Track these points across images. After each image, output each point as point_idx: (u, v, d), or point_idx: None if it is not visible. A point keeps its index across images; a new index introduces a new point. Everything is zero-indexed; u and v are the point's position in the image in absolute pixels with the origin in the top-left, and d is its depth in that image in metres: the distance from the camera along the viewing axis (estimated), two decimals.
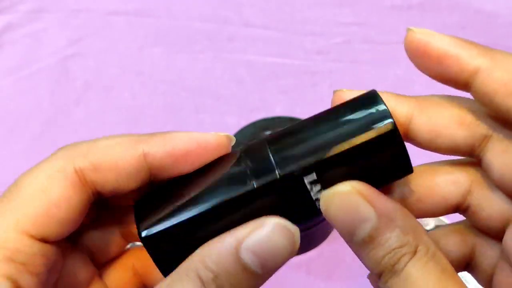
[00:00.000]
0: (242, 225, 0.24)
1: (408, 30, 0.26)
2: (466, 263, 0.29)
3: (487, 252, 0.29)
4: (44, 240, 0.25)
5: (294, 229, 0.24)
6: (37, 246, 0.25)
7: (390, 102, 0.28)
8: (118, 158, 0.26)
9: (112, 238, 0.30)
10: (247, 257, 0.23)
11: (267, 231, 0.23)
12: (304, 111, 0.63)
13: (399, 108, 0.28)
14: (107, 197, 0.27)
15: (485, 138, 0.26)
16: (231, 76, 0.67)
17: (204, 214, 0.25)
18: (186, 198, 0.25)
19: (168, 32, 0.70)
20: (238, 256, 0.23)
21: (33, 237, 0.25)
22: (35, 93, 0.66)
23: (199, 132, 0.26)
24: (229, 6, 0.72)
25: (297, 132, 0.26)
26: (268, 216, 0.24)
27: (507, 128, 0.26)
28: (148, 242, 0.25)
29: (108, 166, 0.26)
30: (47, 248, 0.25)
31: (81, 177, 0.26)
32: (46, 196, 0.25)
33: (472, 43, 0.27)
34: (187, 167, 0.26)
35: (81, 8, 0.72)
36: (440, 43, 0.26)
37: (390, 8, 0.71)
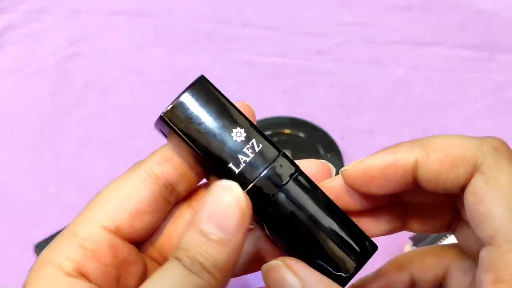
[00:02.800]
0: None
1: (342, 172, 0.29)
2: (439, 284, 0.32)
3: (460, 276, 0.31)
4: (116, 232, 0.28)
5: (232, 184, 0.27)
6: (107, 236, 0.28)
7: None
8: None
9: None
10: (207, 227, 0.26)
11: (211, 197, 0.27)
12: (304, 111, 0.63)
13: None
14: (180, 190, 0.30)
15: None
16: (231, 76, 0.67)
17: None
18: None
19: (168, 32, 0.70)
20: (200, 229, 0.26)
21: (105, 228, 0.28)
22: (35, 93, 0.66)
23: None
24: (229, 6, 0.72)
25: None
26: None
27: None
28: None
29: (175, 156, 0.29)
30: (118, 241, 0.28)
31: (151, 173, 0.29)
32: (118, 192, 0.28)
33: (399, 144, 0.28)
34: None
35: (81, 8, 0.72)
36: (377, 160, 0.28)
37: (390, 8, 0.71)
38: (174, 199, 0.30)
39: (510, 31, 0.69)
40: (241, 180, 0.28)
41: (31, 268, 0.28)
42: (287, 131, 0.59)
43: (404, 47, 0.68)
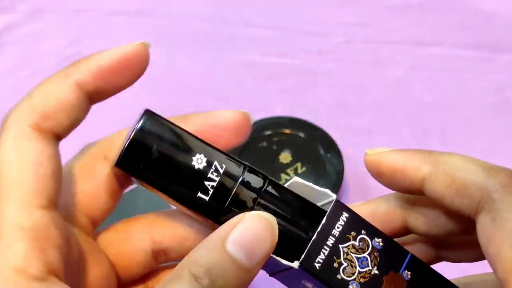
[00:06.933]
0: (225, 222, 0.26)
1: (365, 154, 0.29)
2: None
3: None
4: (51, 207, 0.25)
5: (271, 218, 0.26)
6: (48, 216, 0.25)
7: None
8: (58, 98, 0.27)
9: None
10: (233, 250, 0.25)
11: (247, 223, 0.25)
12: (304, 111, 0.63)
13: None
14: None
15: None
16: (231, 76, 0.67)
17: None
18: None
19: (168, 32, 0.70)
20: (225, 249, 0.25)
21: (41, 207, 0.25)
22: None
23: (118, 47, 0.29)
24: (229, 6, 0.72)
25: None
26: (247, 211, 0.26)
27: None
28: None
29: (54, 109, 0.27)
30: (55, 215, 0.25)
31: (39, 130, 0.26)
32: (25, 161, 0.25)
33: (417, 152, 0.28)
34: (120, 80, 0.28)
35: (81, 8, 0.72)
36: (389, 160, 0.28)
37: (390, 8, 0.71)
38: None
39: (510, 31, 0.69)
40: (214, 205, 0.27)
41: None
42: (287, 131, 0.59)
43: (404, 47, 0.68)
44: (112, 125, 0.64)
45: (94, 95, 0.29)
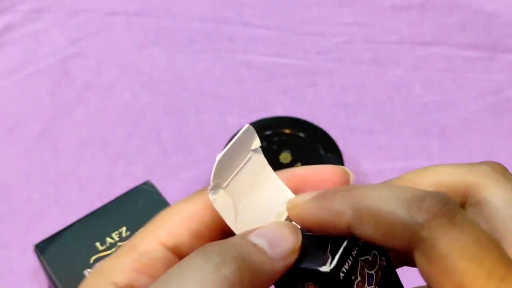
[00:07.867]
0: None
1: (287, 208, 0.27)
2: None
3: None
4: (175, 250, 0.27)
5: (295, 224, 0.26)
6: (164, 253, 0.27)
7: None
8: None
9: None
10: (255, 238, 0.25)
11: (271, 225, 0.26)
12: (304, 111, 0.63)
13: None
14: None
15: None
16: (231, 76, 0.67)
17: None
18: None
19: (168, 32, 0.70)
20: (246, 238, 0.25)
21: (163, 244, 0.27)
22: (35, 93, 0.66)
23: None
24: (229, 6, 0.72)
25: None
26: None
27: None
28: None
29: None
30: (174, 259, 0.27)
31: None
32: (180, 213, 0.28)
33: (337, 193, 0.25)
34: None
35: (81, 8, 0.72)
36: (310, 214, 0.26)
37: (390, 8, 0.71)
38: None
39: (510, 31, 0.69)
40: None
41: (86, 277, 0.27)
42: (287, 131, 0.59)
43: (404, 47, 0.68)
44: (113, 125, 0.64)
45: None
